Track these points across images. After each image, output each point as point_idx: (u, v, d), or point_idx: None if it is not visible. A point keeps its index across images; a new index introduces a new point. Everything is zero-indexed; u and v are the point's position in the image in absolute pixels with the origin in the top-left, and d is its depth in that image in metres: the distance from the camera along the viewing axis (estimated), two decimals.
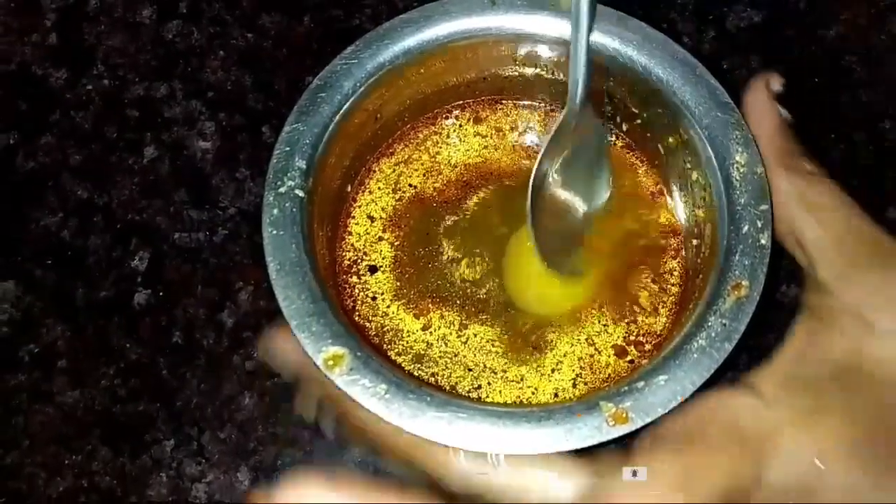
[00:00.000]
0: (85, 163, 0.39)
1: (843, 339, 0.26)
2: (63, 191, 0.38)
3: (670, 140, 0.31)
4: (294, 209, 0.28)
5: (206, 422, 0.34)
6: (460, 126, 0.34)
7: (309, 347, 0.25)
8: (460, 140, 0.34)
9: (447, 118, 0.34)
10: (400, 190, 0.33)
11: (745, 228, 0.27)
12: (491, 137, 0.34)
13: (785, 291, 0.35)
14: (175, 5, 0.41)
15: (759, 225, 0.27)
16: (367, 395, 0.25)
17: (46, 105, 0.40)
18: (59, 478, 0.34)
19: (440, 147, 0.34)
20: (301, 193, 0.28)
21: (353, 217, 0.33)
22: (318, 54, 0.40)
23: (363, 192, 0.33)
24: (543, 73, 0.33)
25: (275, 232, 0.27)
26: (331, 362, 0.25)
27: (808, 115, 0.40)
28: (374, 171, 0.34)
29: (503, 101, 0.35)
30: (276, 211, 0.27)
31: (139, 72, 0.40)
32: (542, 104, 0.35)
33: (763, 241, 0.27)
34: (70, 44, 0.41)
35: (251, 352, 0.35)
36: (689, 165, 0.30)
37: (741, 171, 0.28)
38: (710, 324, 0.26)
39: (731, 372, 0.27)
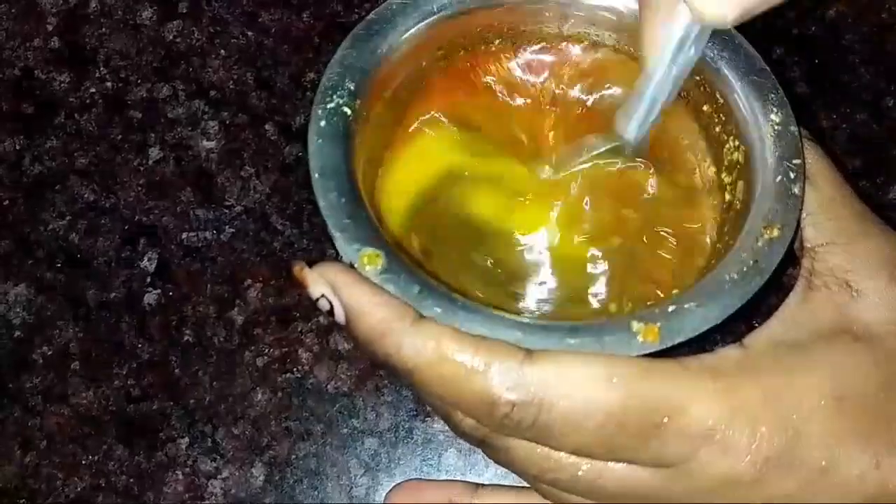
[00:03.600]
0: (91, 165, 0.39)
1: (830, 304, 0.26)
2: (70, 194, 0.38)
3: (705, 108, 0.31)
4: (340, 124, 0.28)
5: (220, 418, 0.35)
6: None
7: (345, 247, 0.25)
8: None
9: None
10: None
11: (779, 178, 0.28)
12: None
13: (792, 273, 0.36)
14: (175, 6, 0.42)
15: (792, 176, 0.28)
16: (401, 292, 0.25)
17: (51, 109, 0.40)
18: (77, 478, 0.34)
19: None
20: (348, 111, 0.28)
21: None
22: (320, 50, 0.41)
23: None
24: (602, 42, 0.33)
25: (320, 141, 0.27)
26: (366, 260, 0.25)
27: (809, 95, 0.40)
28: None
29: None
30: (322, 123, 0.28)
31: (141, 73, 0.40)
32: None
33: (795, 191, 0.27)
34: (72, 47, 0.41)
35: (262, 348, 0.36)
36: (722, 131, 0.31)
37: (776, 128, 0.29)
38: (742, 259, 0.26)
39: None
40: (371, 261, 0.25)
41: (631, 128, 0.29)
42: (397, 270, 0.25)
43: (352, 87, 0.29)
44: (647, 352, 0.24)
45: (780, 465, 0.24)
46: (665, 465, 0.24)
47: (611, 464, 0.25)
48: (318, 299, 0.25)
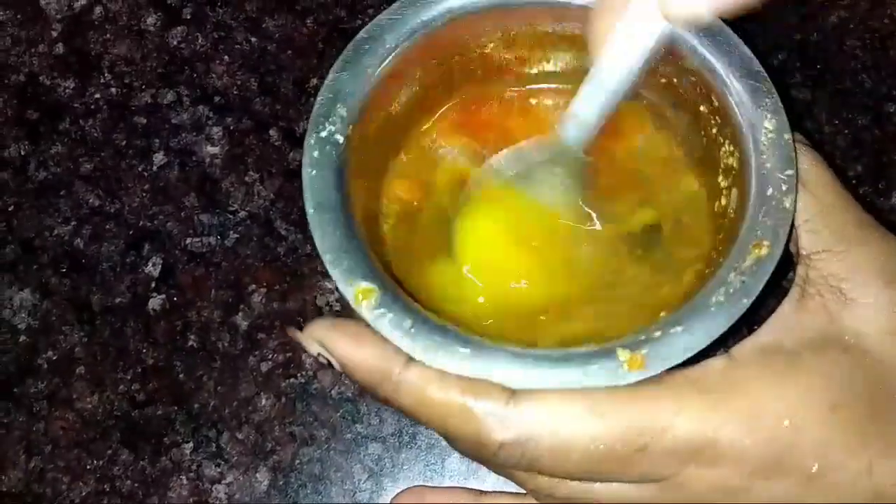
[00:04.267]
0: (95, 171, 0.39)
1: (824, 311, 0.26)
2: (75, 199, 0.38)
3: (702, 108, 0.31)
4: (333, 152, 0.28)
5: (224, 423, 0.35)
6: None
7: (340, 281, 0.26)
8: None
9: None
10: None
11: (770, 191, 0.27)
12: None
13: (791, 278, 0.36)
14: (179, 12, 0.42)
15: (784, 189, 0.27)
16: (392, 329, 0.25)
17: (56, 115, 0.40)
18: (82, 482, 0.34)
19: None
20: (340, 139, 0.28)
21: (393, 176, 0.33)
22: (323, 55, 0.41)
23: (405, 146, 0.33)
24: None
25: (313, 172, 0.28)
26: (360, 296, 0.26)
27: (811, 101, 0.40)
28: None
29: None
30: (315, 153, 0.28)
31: (145, 79, 0.41)
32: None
33: (787, 205, 0.27)
34: (76, 53, 0.41)
35: (266, 353, 0.36)
36: (718, 133, 0.31)
37: (769, 136, 0.28)
38: (729, 280, 0.26)
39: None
40: (365, 296, 0.26)
41: (575, 133, 0.29)
42: (390, 305, 0.25)
43: (343, 114, 0.29)
44: (634, 380, 0.25)
45: (770, 474, 0.24)
46: (654, 481, 0.25)
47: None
48: (317, 355, 0.26)
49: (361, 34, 0.30)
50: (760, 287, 0.26)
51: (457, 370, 0.25)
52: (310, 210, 0.27)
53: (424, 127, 0.33)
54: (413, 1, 0.31)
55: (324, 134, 0.28)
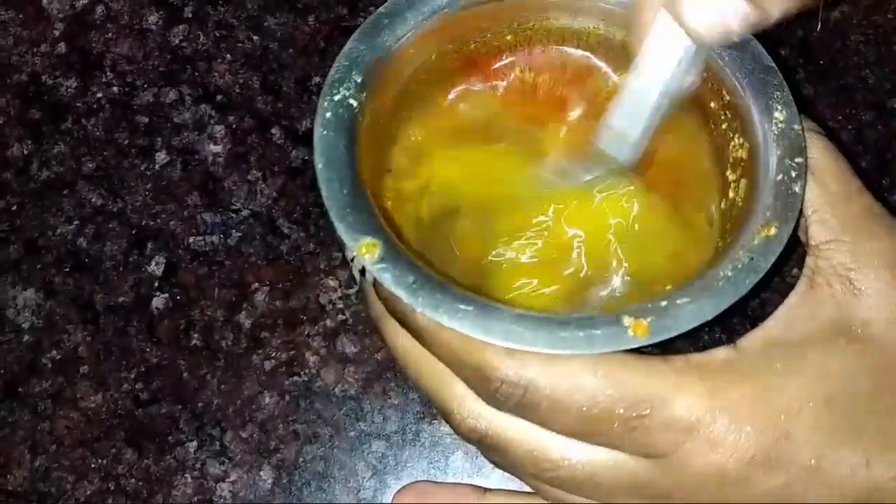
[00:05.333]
0: (98, 170, 0.39)
1: (833, 300, 0.26)
2: (78, 198, 0.39)
3: (712, 105, 0.31)
4: (346, 115, 0.28)
5: (228, 422, 0.35)
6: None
7: (344, 235, 0.26)
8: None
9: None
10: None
11: (780, 177, 0.28)
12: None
13: (795, 274, 0.36)
14: (181, 10, 0.42)
15: (793, 175, 0.28)
16: (396, 283, 0.25)
17: (58, 114, 0.40)
18: (87, 481, 0.34)
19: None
20: (354, 103, 0.29)
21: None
22: (325, 54, 0.41)
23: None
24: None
25: (325, 132, 0.28)
26: (364, 250, 0.26)
27: (814, 96, 0.40)
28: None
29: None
30: (328, 114, 0.28)
31: (147, 78, 0.41)
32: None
33: (796, 189, 0.27)
34: (78, 52, 0.41)
35: (269, 351, 0.36)
36: (728, 128, 0.31)
37: (780, 126, 0.29)
38: (737, 257, 0.26)
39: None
40: (369, 250, 0.26)
41: (624, 149, 0.29)
42: (394, 260, 0.26)
43: (358, 80, 0.29)
44: (637, 346, 0.25)
45: (768, 464, 0.24)
46: (652, 456, 0.25)
47: (603, 459, 0.25)
48: None
49: (381, 9, 0.30)
50: (768, 266, 0.26)
51: (458, 327, 0.25)
52: (318, 165, 0.27)
53: (439, 103, 0.34)
54: None
55: (337, 97, 0.28)
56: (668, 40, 0.26)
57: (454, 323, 0.25)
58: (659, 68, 0.27)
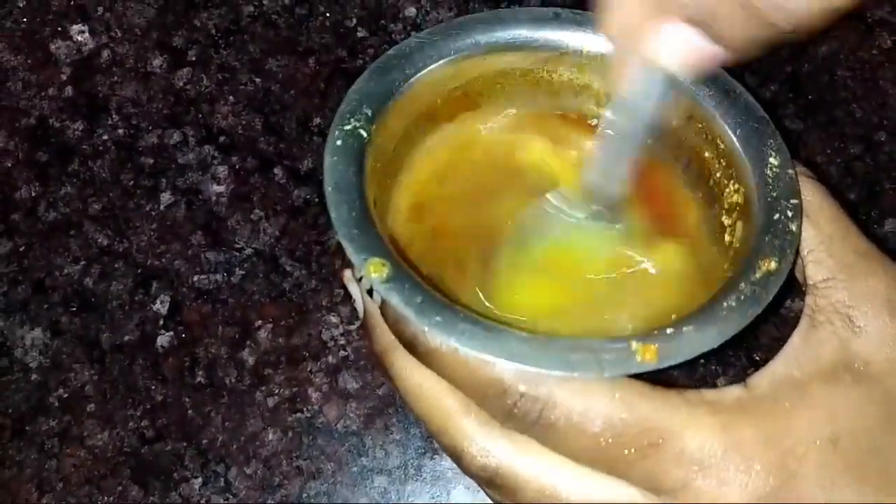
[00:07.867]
0: (104, 210, 0.40)
1: (834, 339, 0.27)
2: (84, 239, 0.39)
3: (707, 154, 0.32)
4: (355, 144, 0.30)
5: (232, 458, 0.35)
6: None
7: (353, 255, 0.27)
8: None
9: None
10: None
11: (776, 217, 0.29)
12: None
13: (790, 306, 0.36)
14: (184, 54, 0.43)
15: (790, 214, 0.29)
16: (403, 302, 0.26)
17: (65, 156, 0.41)
18: None
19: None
20: (364, 133, 0.30)
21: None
22: (326, 95, 0.42)
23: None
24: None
25: (334, 158, 0.29)
26: (372, 269, 0.26)
27: (803, 131, 0.41)
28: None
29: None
30: (339, 142, 0.29)
31: (152, 120, 0.42)
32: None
33: (793, 228, 0.28)
34: (85, 96, 0.42)
35: (273, 388, 0.37)
36: (723, 176, 0.32)
37: (774, 171, 0.30)
38: (741, 288, 0.27)
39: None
40: (377, 269, 0.26)
41: (613, 184, 0.30)
42: (401, 280, 0.26)
43: (369, 113, 0.30)
44: (645, 370, 0.25)
45: None
46: (662, 492, 0.25)
47: (614, 496, 0.26)
48: None
49: (392, 51, 0.32)
50: (770, 297, 0.27)
51: (468, 348, 0.25)
52: (328, 188, 0.28)
53: (445, 139, 0.35)
54: (444, 29, 0.32)
55: (348, 127, 0.30)
56: (643, 78, 0.27)
57: (464, 342, 0.25)
58: (637, 105, 0.28)
